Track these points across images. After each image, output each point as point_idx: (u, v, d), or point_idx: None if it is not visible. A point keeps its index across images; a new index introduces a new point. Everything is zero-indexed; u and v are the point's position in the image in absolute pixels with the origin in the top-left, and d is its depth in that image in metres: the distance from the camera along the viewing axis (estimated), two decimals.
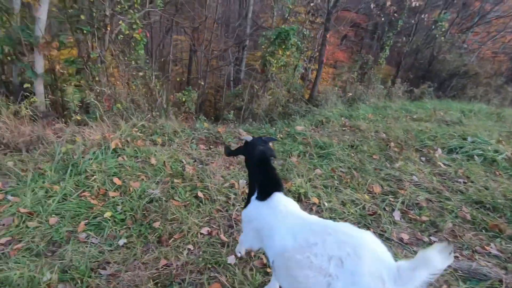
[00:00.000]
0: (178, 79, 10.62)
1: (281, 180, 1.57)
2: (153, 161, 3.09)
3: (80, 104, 4.33)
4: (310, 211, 2.53)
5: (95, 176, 2.71)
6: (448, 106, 7.64)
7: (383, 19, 8.52)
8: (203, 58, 9.14)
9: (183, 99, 6.17)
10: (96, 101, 4.45)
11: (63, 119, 4.67)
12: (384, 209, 2.61)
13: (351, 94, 6.89)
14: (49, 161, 3.03)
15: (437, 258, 0.96)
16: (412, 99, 9.06)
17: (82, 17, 4.78)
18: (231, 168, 3.23)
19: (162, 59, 10.59)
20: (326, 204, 2.59)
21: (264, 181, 1.54)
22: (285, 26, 6.24)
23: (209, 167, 3.14)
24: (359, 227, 2.34)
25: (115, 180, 2.68)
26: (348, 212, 2.53)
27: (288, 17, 8.45)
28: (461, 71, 10.45)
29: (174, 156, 3.33)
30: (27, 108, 4.09)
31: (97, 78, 4.90)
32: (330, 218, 2.42)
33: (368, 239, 1.14)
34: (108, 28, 4.69)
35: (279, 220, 1.37)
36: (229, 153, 1.93)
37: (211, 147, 4.03)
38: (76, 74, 5.42)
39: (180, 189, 2.66)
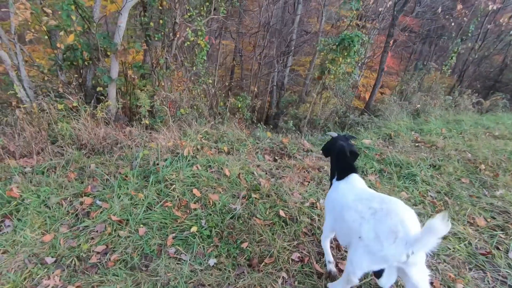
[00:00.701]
0: (227, 83, 10.77)
1: (355, 165, 1.97)
2: (226, 172, 3.02)
3: (150, 109, 4.45)
4: None
5: (174, 185, 2.69)
6: None
7: (452, 23, 7.81)
8: (255, 63, 9.13)
9: (239, 105, 6.15)
10: (164, 107, 4.56)
11: (132, 123, 4.89)
12: (497, 248, 2.24)
13: (419, 106, 6.36)
14: (128, 166, 3.10)
15: (441, 225, 1.16)
16: (482, 112, 8.19)
17: (151, 24, 4.96)
18: (306, 184, 3.05)
19: (215, 65, 10.78)
20: None
21: (342, 166, 1.94)
22: (348, 32, 5.94)
23: (284, 182, 2.99)
24: (470, 268, 2.02)
25: (194, 191, 2.64)
26: (453, 248, 2.20)
27: (338, 23, 8.11)
28: None
29: (245, 167, 3.23)
30: (102, 111, 4.30)
31: (162, 84, 5.04)
32: (434, 255, 2.13)
33: (403, 209, 1.45)
34: (177, 35, 4.80)
35: (350, 190, 1.78)
36: (323, 149, 2.26)
37: (276, 158, 3.89)
38: (141, 79, 5.65)
39: (260, 205, 2.54)
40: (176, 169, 2.99)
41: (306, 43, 14.11)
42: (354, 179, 1.85)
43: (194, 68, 5.54)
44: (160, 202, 2.49)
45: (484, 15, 9.02)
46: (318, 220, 2.44)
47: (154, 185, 2.70)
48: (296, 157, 3.91)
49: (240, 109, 6.15)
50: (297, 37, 11.72)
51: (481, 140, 4.73)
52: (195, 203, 2.53)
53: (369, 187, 3.02)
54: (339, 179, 1.90)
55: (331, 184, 2.00)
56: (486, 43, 10.10)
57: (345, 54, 5.94)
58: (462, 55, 10.19)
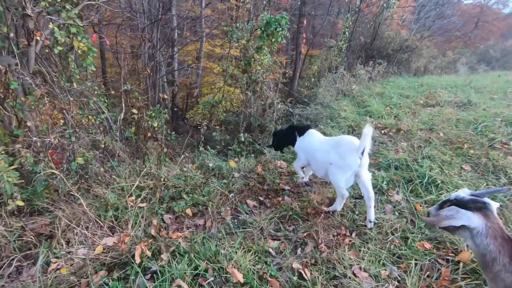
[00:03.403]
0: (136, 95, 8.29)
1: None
2: (236, 275, 1.71)
3: (19, 179, 2.42)
4: None
5: None
6: (415, 83, 7.74)
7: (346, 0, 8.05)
8: (153, 62, 7.18)
9: (156, 124, 4.49)
10: (46, 166, 2.62)
11: None
12: None
13: (355, 86, 6.21)
14: None
15: (368, 130, 2.00)
16: (376, 79, 9.03)
17: None
18: (348, 242, 2.08)
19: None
20: None
21: (300, 128, 2.88)
22: (270, 15, 5.05)
23: (323, 252, 1.94)
24: None
25: None
26: None
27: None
28: (404, 46, 10.99)
29: (251, 246, 1.99)
30: None
31: (28, 123, 2.95)
32: None
33: (349, 137, 2.30)
34: (38, 37, 2.75)
35: (314, 140, 2.63)
36: (270, 146, 3.36)
37: (260, 198, 2.75)
38: None
39: None
40: None
41: (189, 31, 12.69)
42: (313, 131, 2.73)
43: (75, 85, 3.54)
44: None
45: None
46: None
47: None
48: (285, 190, 2.87)
49: (158, 130, 4.50)
50: (178, 24, 10.19)
51: (422, 113, 4.85)
52: None
53: (411, 213, 2.36)
54: (300, 135, 2.78)
55: (294, 141, 2.85)
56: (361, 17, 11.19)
57: (272, 40, 5.07)
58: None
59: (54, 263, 1.96)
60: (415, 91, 6.52)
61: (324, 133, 4.22)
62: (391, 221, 2.25)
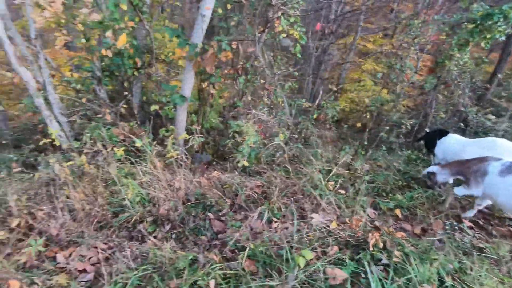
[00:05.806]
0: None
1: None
2: None
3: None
4: None
5: None
6: None
7: None
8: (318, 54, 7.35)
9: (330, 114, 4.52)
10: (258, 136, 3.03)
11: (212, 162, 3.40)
12: None
13: None
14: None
15: None
16: None
17: (220, 11, 3.35)
18: None
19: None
20: None
21: (441, 133, 3.12)
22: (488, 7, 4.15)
23: None
24: None
25: None
26: None
27: None
28: None
29: (501, 278, 1.68)
30: (174, 150, 2.82)
31: (249, 98, 3.49)
32: None
33: (503, 141, 2.61)
34: (276, 24, 3.17)
35: (457, 142, 2.97)
36: (419, 139, 3.69)
37: (481, 222, 2.31)
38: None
39: None
40: None
41: (346, 22, 12.29)
42: (454, 135, 3.07)
43: (276, 69, 3.94)
44: None
45: None
46: None
47: None
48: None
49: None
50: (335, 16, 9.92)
51: None
52: None
53: None
54: (440, 138, 3.08)
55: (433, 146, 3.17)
56: None
57: (487, 36, 4.18)
58: None
59: (275, 222, 2.25)
60: None
61: None
62: None
